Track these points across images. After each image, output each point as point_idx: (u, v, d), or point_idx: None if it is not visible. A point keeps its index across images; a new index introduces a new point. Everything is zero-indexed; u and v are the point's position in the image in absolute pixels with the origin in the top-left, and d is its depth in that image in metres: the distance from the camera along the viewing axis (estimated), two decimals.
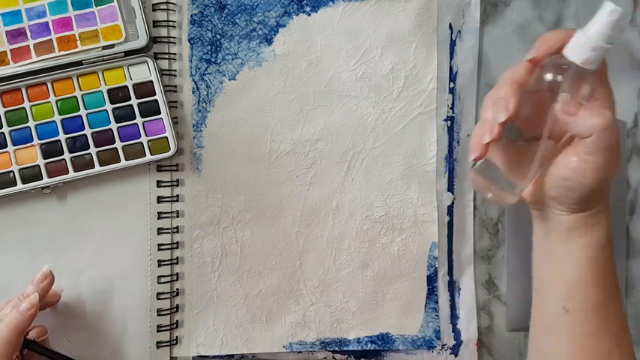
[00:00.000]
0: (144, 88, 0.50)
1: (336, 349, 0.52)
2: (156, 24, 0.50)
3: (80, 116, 0.49)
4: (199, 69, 0.51)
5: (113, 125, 0.49)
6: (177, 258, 0.51)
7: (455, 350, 0.53)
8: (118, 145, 0.49)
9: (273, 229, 0.52)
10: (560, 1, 0.54)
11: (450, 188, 0.54)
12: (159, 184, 0.51)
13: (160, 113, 0.50)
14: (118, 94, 0.49)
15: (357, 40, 0.53)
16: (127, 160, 0.49)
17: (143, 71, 0.50)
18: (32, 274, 0.46)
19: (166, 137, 0.50)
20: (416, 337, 0.53)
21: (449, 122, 0.54)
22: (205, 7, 0.51)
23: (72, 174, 0.49)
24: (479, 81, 0.54)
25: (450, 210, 0.54)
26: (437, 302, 0.53)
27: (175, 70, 0.51)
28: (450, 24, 0.54)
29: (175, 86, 0.51)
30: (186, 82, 0.51)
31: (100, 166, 0.49)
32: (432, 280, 0.53)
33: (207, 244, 0.52)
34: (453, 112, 0.54)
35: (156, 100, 0.50)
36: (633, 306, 0.54)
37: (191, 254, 0.51)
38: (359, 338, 0.52)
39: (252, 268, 0.52)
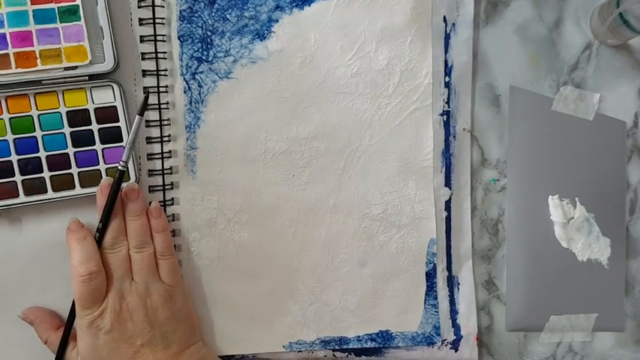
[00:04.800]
0: (106, 113, 0.47)
1: (336, 347, 0.52)
2: (142, 22, 0.48)
3: (35, 137, 0.46)
4: (190, 67, 0.50)
5: (70, 149, 0.46)
6: None
7: (455, 345, 0.53)
8: (74, 170, 0.47)
9: (270, 229, 0.51)
10: (560, 1, 0.54)
11: (447, 183, 0.54)
12: (150, 189, 0.49)
13: (121, 141, 0.47)
14: (77, 117, 0.46)
15: (352, 35, 0.52)
16: (82, 187, 0.47)
17: (107, 95, 0.47)
18: None
19: (127, 170, 0.47)
20: (415, 334, 0.53)
21: (445, 117, 0.54)
22: (194, 2, 0.50)
23: (22, 198, 0.46)
24: (474, 75, 0.54)
25: (448, 205, 0.54)
26: (436, 298, 0.53)
27: (165, 70, 0.49)
28: (445, 17, 0.53)
29: (166, 86, 0.49)
30: (177, 82, 0.50)
31: (54, 191, 0.46)
32: (430, 276, 0.53)
33: (204, 246, 0.51)
34: (449, 107, 0.54)
35: (119, 127, 0.47)
36: (633, 306, 0.55)
37: (189, 257, 0.51)
38: (359, 336, 0.52)
39: (250, 268, 0.51)
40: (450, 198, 0.54)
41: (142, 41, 0.49)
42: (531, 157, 0.54)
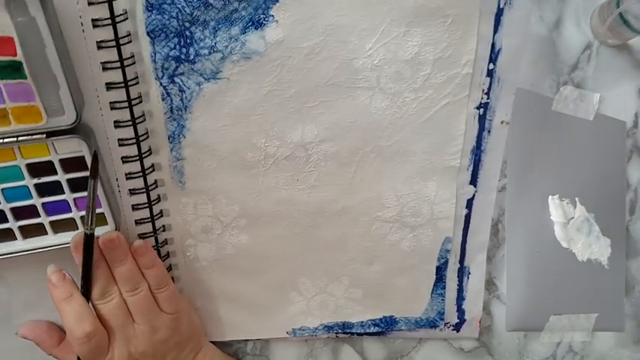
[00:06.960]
0: (74, 163, 0.38)
1: (339, 331, 0.52)
2: (96, 24, 0.36)
3: None
4: (167, 70, 0.39)
5: (36, 200, 0.39)
6: (171, 265, 0.47)
7: (457, 327, 0.53)
8: (44, 219, 0.40)
9: (271, 231, 0.47)
10: (560, 1, 0.49)
11: (473, 181, 0.47)
12: (134, 207, 0.43)
13: None
14: (39, 168, 0.38)
15: (375, 16, 0.40)
16: (55, 233, 0.41)
17: (72, 144, 0.37)
18: None
19: (103, 213, 0.40)
20: (419, 319, 0.52)
21: (481, 110, 0.44)
22: None
23: None
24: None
25: (470, 203, 0.48)
26: (444, 288, 0.51)
27: (136, 78, 0.39)
28: None
29: (140, 96, 0.39)
30: (152, 88, 0.39)
31: (24, 238, 0.41)
32: (441, 269, 0.50)
33: (200, 250, 0.47)
34: (488, 98, 0.44)
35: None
36: (633, 306, 0.53)
37: (184, 260, 0.47)
38: (362, 322, 0.52)
39: (251, 267, 0.48)
40: (474, 196, 0.48)
41: (99, 48, 0.37)
42: (531, 157, 0.49)
